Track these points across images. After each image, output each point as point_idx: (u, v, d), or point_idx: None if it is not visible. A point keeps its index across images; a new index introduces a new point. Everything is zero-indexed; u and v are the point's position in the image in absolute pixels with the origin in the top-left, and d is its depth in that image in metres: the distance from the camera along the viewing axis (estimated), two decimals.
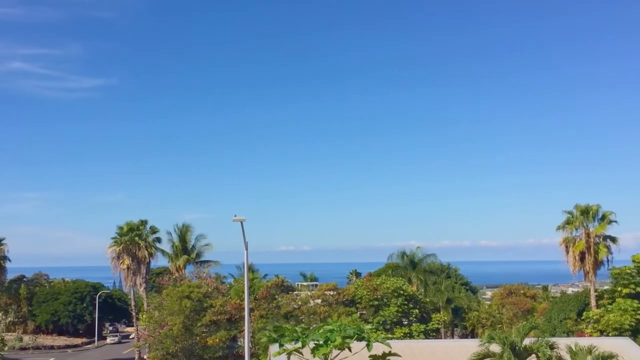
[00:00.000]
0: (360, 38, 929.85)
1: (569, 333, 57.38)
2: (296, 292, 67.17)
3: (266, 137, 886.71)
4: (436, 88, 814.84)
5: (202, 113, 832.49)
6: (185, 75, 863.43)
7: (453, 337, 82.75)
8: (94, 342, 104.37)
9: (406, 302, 63.65)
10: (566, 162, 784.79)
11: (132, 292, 79.49)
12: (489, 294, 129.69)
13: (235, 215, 34.54)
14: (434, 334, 66.93)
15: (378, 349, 11.82)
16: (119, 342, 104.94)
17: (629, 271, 58.24)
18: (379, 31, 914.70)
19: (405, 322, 63.49)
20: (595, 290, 60.05)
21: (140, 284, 74.70)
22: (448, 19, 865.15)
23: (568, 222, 59.91)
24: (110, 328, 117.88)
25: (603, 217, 58.95)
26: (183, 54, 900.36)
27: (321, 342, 11.30)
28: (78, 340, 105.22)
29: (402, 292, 63.85)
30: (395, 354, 12.07)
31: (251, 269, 75.79)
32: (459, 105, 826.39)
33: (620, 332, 53.79)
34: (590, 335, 53.04)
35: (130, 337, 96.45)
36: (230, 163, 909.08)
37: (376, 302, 62.66)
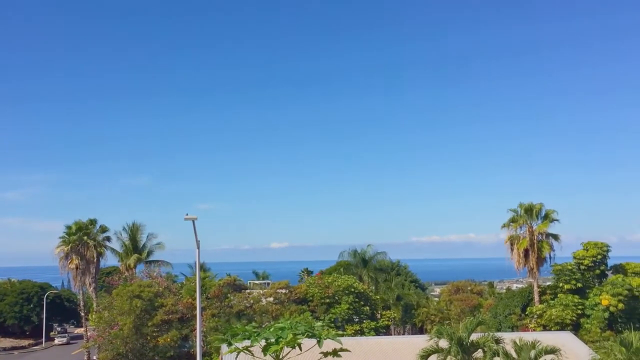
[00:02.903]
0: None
1: (513, 328, 58.97)
2: (248, 291, 67.19)
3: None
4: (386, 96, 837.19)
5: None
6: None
7: (404, 334, 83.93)
8: (41, 343, 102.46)
9: (357, 300, 64.34)
10: (510, 165, 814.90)
11: (81, 292, 78.28)
12: (437, 290, 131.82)
13: (187, 214, 34.41)
14: (384, 330, 67.89)
15: (329, 346, 12.29)
16: (68, 343, 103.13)
17: (570, 267, 60.24)
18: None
19: (357, 320, 64.16)
20: (539, 286, 61.77)
21: (90, 284, 73.62)
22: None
23: (513, 220, 61.53)
24: (59, 329, 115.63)
25: (546, 216, 60.68)
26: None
27: (272, 340, 11.72)
28: (25, 342, 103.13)
29: (353, 289, 64.51)
30: (345, 350, 12.57)
31: (203, 267, 75.55)
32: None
33: (562, 326, 55.63)
34: (534, 330, 54.72)
35: (82, 338, 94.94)
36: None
37: (328, 300, 63.18)
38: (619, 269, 62.49)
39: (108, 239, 75.64)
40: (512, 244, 61.13)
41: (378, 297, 72.31)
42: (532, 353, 28.55)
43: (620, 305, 56.29)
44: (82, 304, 79.23)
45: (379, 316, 68.86)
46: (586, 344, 44.61)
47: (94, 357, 69.50)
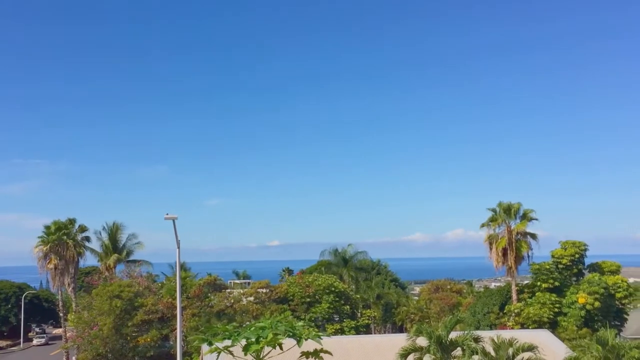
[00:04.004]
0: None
1: (492, 326, 59.41)
2: (229, 290, 67.17)
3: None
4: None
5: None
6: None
7: (385, 333, 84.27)
8: (19, 344, 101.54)
9: (338, 299, 64.59)
10: (492, 168, 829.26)
11: (60, 292, 77.75)
12: (417, 289, 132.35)
13: (167, 214, 34.36)
14: (365, 329, 68.16)
15: (310, 345, 12.42)
16: (46, 344, 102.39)
17: (548, 266, 60.88)
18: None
19: (337, 319, 64.45)
20: (517, 285, 62.32)
21: (69, 284, 73.11)
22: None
23: (492, 220, 62.02)
24: (37, 330, 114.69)
25: (524, 215, 61.25)
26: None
27: (253, 340, 11.80)
28: (2, 343, 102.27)
29: (333, 289, 64.73)
30: (326, 352, 12.71)
31: (183, 267, 75.31)
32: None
33: (539, 324, 56.22)
34: (512, 328, 55.23)
35: (61, 339, 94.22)
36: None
37: (308, 299, 63.37)
38: (595, 267, 63.32)
39: (87, 238, 75.33)
40: (491, 243, 61.65)
41: (358, 296, 72.63)
42: (510, 351, 28.88)
43: (597, 304, 57.06)
44: (60, 304, 78.72)
45: (359, 315, 69.17)
46: (563, 341, 45.15)
47: (73, 358, 69.08)
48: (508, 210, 60.98)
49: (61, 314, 79.37)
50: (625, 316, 63.00)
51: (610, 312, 59.35)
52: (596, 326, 55.02)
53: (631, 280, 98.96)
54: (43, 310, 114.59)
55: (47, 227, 73.04)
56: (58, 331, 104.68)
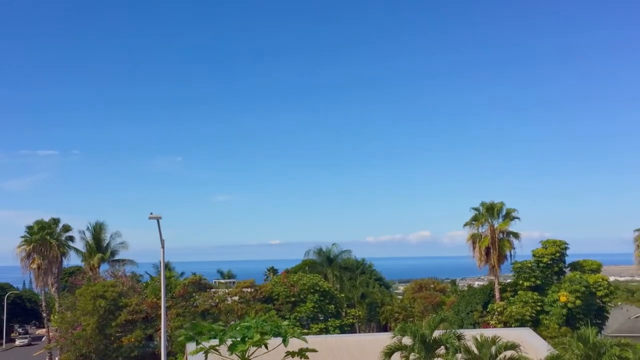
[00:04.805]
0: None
1: (475, 324, 59.90)
2: (214, 290, 67.07)
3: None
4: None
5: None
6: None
7: (369, 332, 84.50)
8: (1, 344, 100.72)
9: (322, 298, 64.67)
10: (481, 169, 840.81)
11: (43, 292, 77.23)
12: (401, 288, 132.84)
13: (152, 213, 34.27)
14: (349, 328, 68.34)
15: (295, 344, 12.57)
16: (29, 344, 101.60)
17: (529, 265, 61.46)
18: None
19: (322, 318, 64.50)
20: (499, 284, 62.89)
21: (52, 284, 72.60)
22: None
23: (475, 219, 62.42)
24: (20, 330, 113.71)
25: (507, 214, 61.72)
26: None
27: (238, 339, 11.93)
28: None
29: (318, 288, 64.80)
30: (311, 349, 12.86)
31: (168, 267, 75.13)
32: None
33: (522, 322, 56.81)
34: (495, 326, 55.67)
35: (43, 339, 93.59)
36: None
37: (293, 299, 63.36)
38: (576, 266, 64.01)
39: (71, 238, 74.83)
40: (474, 242, 62.05)
41: (343, 295, 72.73)
42: (493, 349, 29.15)
43: (578, 302, 57.74)
44: (44, 304, 78.16)
45: (343, 314, 69.29)
46: (545, 339, 45.64)
47: (56, 359, 68.68)
48: (491, 210, 61.39)
49: (44, 315, 78.83)
50: (606, 314, 63.78)
51: (591, 310, 60.07)
52: (577, 324, 55.70)
53: (612, 278, 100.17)
54: (26, 310, 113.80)
55: (30, 227, 72.56)
56: (41, 331, 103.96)
